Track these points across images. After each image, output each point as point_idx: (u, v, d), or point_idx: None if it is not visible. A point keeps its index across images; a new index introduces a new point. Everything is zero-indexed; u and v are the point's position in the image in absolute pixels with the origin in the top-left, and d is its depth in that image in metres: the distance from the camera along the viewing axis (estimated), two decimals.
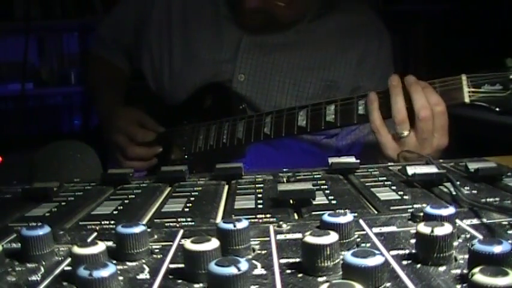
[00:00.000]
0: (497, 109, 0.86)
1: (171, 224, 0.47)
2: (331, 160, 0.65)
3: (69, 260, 0.36)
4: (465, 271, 0.31)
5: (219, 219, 0.49)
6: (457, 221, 0.40)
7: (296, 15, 1.22)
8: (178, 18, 1.30)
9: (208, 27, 1.26)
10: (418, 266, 0.32)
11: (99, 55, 1.48)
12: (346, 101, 0.96)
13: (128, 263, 0.35)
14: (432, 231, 0.32)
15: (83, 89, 2.79)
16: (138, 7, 1.37)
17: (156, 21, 1.32)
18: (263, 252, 0.36)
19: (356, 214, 0.44)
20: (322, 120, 0.98)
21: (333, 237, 0.32)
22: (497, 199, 0.49)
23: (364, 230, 0.40)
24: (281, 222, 0.42)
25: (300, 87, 1.21)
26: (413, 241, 0.36)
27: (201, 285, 0.32)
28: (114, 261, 0.35)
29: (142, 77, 1.35)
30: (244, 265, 0.29)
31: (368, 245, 0.37)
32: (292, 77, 1.21)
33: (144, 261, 0.36)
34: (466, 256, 0.32)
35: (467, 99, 0.87)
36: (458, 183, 0.51)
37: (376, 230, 0.40)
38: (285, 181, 0.62)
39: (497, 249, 0.30)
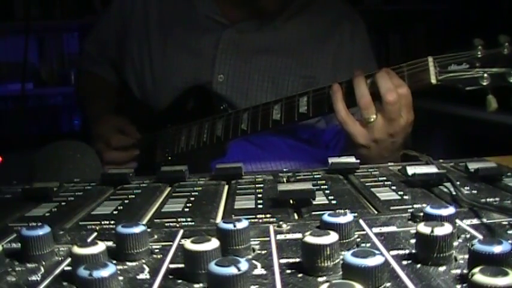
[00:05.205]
0: (466, 88, 0.86)
1: (171, 224, 0.47)
2: (331, 160, 0.65)
3: (69, 260, 0.36)
4: (465, 271, 0.31)
5: (219, 219, 0.49)
6: (457, 221, 0.40)
7: (281, 3, 1.24)
8: (155, 24, 1.31)
9: (186, 29, 1.27)
10: (418, 266, 0.32)
11: (87, 70, 1.49)
12: (317, 92, 0.97)
13: (127, 263, 0.35)
14: (432, 231, 0.32)
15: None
16: (118, 19, 1.39)
17: (135, 31, 1.34)
18: (263, 252, 0.36)
19: (356, 214, 0.44)
20: (295, 112, 0.99)
21: (333, 237, 0.32)
22: (497, 199, 0.49)
23: (364, 230, 0.40)
24: (281, 222, 0.42)
25: (278, 85, 1.22)
26: (413, 241, 0.36)
27: (201, 285, 0.32)
28: (114, 261, 0.35)
29: (128, 86, 1.37)
30: (244, 265, 0.29)
31: (368, 245, 0.37)
32: (271, 75, 1.22)
33: (144, 261, 0.36)
34: (466, 256, 0.32)
35: (434, 80, 0.87)
36: (458, 183, 0.51)
37: (376, 230, 0.40)
38: (285, 181, 0.62)
39: (497, 249, 0.30)
